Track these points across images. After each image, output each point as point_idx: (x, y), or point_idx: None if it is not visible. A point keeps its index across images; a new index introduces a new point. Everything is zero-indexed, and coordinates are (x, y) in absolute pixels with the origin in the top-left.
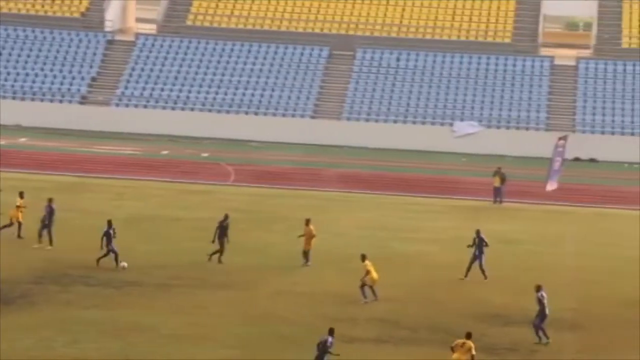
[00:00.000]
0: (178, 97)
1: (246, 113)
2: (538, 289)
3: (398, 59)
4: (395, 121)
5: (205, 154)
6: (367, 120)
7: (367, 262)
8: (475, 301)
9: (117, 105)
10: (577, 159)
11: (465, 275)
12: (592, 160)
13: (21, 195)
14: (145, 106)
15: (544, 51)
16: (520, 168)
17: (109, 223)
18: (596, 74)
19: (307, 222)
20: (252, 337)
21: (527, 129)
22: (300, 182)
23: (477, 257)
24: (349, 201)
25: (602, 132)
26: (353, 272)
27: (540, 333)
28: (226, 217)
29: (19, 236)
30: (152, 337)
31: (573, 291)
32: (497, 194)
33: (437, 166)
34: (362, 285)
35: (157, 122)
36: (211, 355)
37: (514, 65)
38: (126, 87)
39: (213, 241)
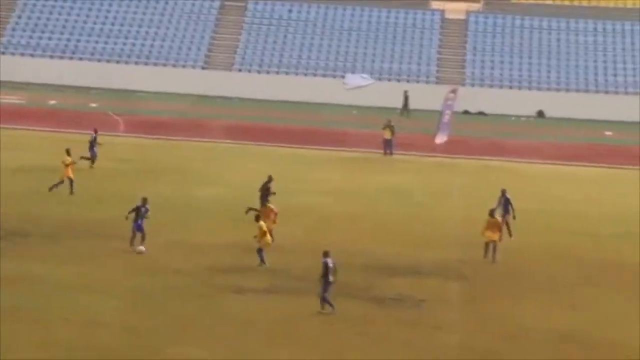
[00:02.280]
0: (66, 46)
1: (136, 63)
2: (325, 254)
3: (290, 11)
4: (286, 73)
5: (94, 104)
6: (258, 72)
7: (261, 222)
8: (364, 252)
9: (3, 53)
10: (466, 112)
11: (510, 235)
12: (480, 113)
13: (68, 152)
14: (32, 55)
15: (435, 5)
16: (410, 120)
17: (144, 201)
18: (485, 28)
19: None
20: (143, 288)
21: (417, 82)
22: (191, 133)
23: (503, 216)
24: (240, 152)
25: (491, 86)
26: (245, 223)
27: (325, 303)
28: (270, 179)
29: (71, 193)
30: (41, 287)
31: (459, 241)
32: (387, 146)
33: (328, 118)
34: (260, 249)
35: (44, 71)
36: (100, 305)
37: (405, 19)
38: (12, 36)
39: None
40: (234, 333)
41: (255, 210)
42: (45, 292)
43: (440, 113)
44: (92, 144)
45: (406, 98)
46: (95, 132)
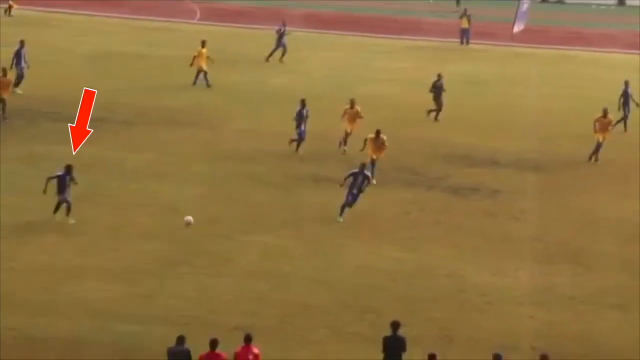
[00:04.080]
0: None
1: None
2: (362, 166)
3: None
4: None
5: None
6: None
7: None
8: (442, 142)
9: None
10: (544, 1)
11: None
12: (559, 1)
13: (203, 43)
14: None
15: None
16: (487, 9)
17: (303, 103)
18: None
19: (352, 103)
20: (217, 175)
21: None
22: (265, 22)
23: (624, 108)
24: (315, 41)
25: None
26: (320, 112)
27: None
28: (439, 77)
29: (194, 83)
30: (116, 173)
31: (536, 132)
32: (464, 35)
33: (403, 7)
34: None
35: None
36: (176, 191)
37: None
38: None
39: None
40: (311, 223)
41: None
42: (121, 178)
43: (519, 1)
44: (281, 35)
45: None
46: (284, 24)
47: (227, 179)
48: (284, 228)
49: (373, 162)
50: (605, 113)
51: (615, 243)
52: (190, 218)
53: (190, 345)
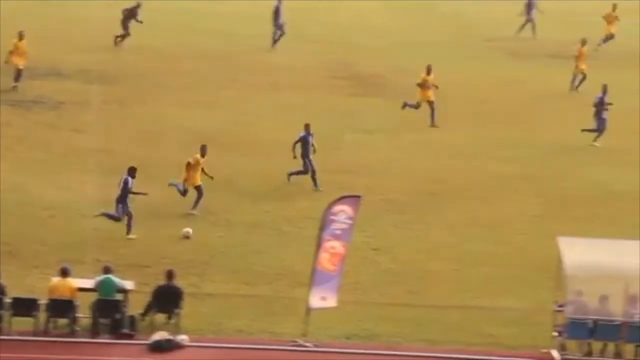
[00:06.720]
0: None
1: None
2: None
3: None
4: None
5: None
6: None
7: None
8: None
9: None
10: None
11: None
12: None
13: None
14: None
15: None
16: None
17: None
18: None
19: None
20: None
21: None
22: None
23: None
24: None
25: None
26: None
27: None
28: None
29: None
30: None
31: (100, 43)
32: None
33: None
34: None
35: None
36: None
37: None
38: None
39: None
40: None
41: None
42: None
43: None
44: None
45: None
46: None
47: None
48: None
49: (200, 193)
50: (584, 43)
51: (177, 151)
52: (189, 230)
53: None
